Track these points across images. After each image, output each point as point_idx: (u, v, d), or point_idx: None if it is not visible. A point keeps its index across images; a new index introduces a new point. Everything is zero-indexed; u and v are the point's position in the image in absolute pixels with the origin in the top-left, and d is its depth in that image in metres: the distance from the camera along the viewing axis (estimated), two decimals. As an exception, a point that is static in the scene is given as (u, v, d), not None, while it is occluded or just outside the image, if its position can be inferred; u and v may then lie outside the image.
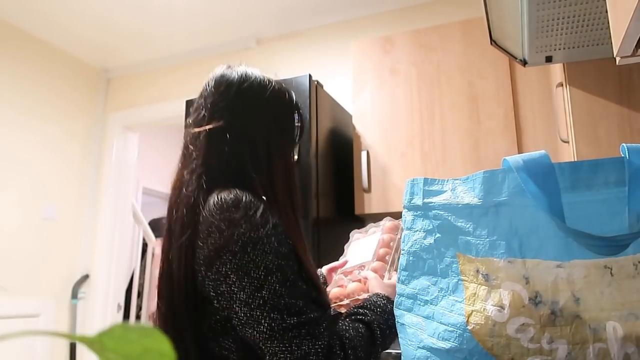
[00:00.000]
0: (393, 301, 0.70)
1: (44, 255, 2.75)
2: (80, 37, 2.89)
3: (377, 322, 0.79)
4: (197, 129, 0.85)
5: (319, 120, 1.96)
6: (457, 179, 0.58)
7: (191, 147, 0.86)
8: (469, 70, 1.98)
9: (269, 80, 0.90)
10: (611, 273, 0.48)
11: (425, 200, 0.60)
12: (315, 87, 1.99)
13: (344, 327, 0.77)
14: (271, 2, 2.56)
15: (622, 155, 0.51)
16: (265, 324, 0.71)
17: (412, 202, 0.62)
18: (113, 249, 2.99)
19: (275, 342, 0.70)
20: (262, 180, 0.83)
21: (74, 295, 2.86)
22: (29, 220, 2.69)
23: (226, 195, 0.76)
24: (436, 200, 0.59)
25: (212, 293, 0.76)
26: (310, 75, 1.95)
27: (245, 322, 0.72)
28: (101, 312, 2.89)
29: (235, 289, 0.72)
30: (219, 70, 0.92)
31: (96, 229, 3.02)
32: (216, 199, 0.77)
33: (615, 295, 0.48)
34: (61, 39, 2.91)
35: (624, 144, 0.50)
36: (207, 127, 0.84)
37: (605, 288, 0.48)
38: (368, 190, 2.02)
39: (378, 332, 0.77)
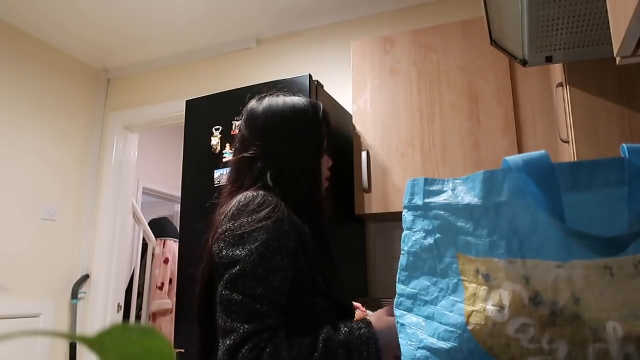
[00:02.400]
0: (372, 327, 0.78)
1: (44, 255, 2.75)
2: (81, 38, 2.89)
3: (335, 340, 0.80)
4: (233, 158, 1.02)
5: (319, 120, 1.96)
6: (458, 179, 0.58)
7: (229, 172, 1.02)
8: (469, 70, 1.98)
9: (293, 105, 1.00)
10: (611, 273, 0.48)
11: (426, 200, 0.60)
12: (315, 87, 1.99)
13: (290, 343, 0.79)
14: (271, 2, 2.56)
15: (622, 155, 0.51)
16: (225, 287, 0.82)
17: (412, 202, 0.62)
18: (113, 249, 2.99)
19: (222, 302, 0.82)
20: (286, 196, 0.93)
21: (74, 295, 2.86)
22: (29, 220, 2.69)
23: (246, 193, 0.90)
24: (436, 200, 0.59)
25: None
26: (310, 75, 1.95)
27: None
28: (101, 312, 2.89)
29: (220, 260, 0.85)
30: (250, 103, 1.04)
31: (96, 229, 3.02)
32: (238, 197, 0.91)
33: (615, 295, 0.48)
34: (61, 40, 2.91)
35: (624, 144, 0.50)
36: (239, 156, 0.99)
37: (605, 288, 0.48)
38: (368, 190, 2.02)
39: (327, 350, 0.78)
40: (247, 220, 0.85)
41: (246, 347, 0.76)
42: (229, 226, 0.86)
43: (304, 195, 0.96)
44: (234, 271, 0.82)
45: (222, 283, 0.82)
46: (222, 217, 0.90)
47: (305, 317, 0.87)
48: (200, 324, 0.94)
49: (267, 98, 1.03)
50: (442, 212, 0.57)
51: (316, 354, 0.78)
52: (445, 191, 0.59)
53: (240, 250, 0.82)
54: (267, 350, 0.76)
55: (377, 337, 0.82)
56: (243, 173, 0.97)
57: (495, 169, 0.56)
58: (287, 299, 0.85)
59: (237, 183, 0.97)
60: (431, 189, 0.60)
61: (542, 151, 0.52)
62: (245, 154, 0.98)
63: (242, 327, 0.78)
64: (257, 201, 0.87)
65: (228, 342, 0.77)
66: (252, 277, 0.80)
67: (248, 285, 0.80)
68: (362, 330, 0.83)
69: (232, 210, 0.88)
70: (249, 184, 0.95)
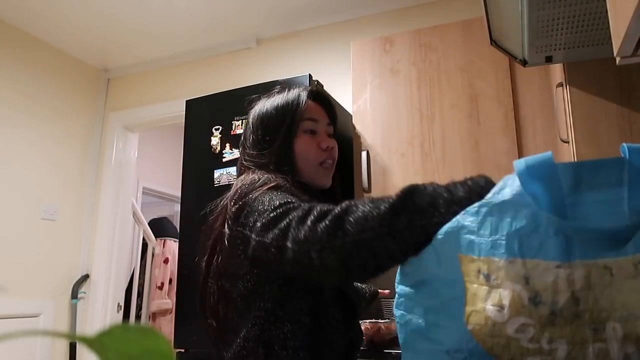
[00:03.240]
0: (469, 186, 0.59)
1: (44, 255, 2.75)
2: (81, 38, 2.89)
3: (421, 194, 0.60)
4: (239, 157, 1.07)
5: (319, 120, 1.96)
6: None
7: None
8: (469, 70, 1.98)
9: (275, 94, 1.04)
10: (611, 273, 0.48)
11: None
12: (315, 87, 1.99)
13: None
14: (271, 2, 2.56)
15: (622, 155, 0.51)
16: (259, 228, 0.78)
17: None
18: (113, 249, 2.99)
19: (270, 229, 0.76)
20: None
21: (74, 295, 2.86)
22: (29, 220, 2.69)
23: (247, 176, 0.93)
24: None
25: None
26: (310, 75, 1.95)
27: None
28: (101, 312, 2.89)
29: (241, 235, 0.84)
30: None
31: (96, 229, 3.02)
32: (239, 180, 0.94)
33: (615, 295, 0.48)
34: (61, 40, 2.91)
35: (624, 144, 0.50)
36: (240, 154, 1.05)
37: (605, 288, 0.48)
38: (368, 190, 2.02)
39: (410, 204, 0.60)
40: (258, 192, 0.85)
41: (313, 215, 0.68)
42: (240, 204, 0.85)
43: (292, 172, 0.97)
44: (255, 216, 0.80)
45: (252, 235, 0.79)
46: (227, 200, 0.91)
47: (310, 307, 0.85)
48: (210, 315, 0.92)
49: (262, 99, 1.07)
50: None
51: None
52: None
53: (260, 205, 0.81)
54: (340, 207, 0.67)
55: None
56: (242, 172, 1.02)
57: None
58: None
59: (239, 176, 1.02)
60: None
61: (548, 152, 0.52)
62: (242, 152, 1.04)
63: (294, 209, 0.74)
64: (262, 179, 0.89)
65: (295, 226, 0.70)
66: (275, 198, 0.80)
67: (274, 203, 0.79)
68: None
69: (238, 192, 0.88)
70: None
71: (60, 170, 2.92)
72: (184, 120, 2.19)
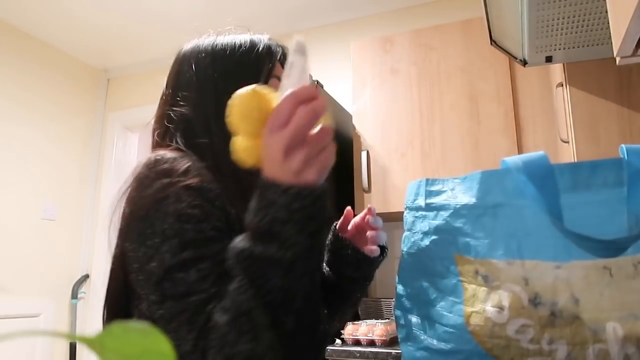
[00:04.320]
0: (303, 194, 0.49)
1: (44, 255, 2.75)
2: (81, 38, 2.89)
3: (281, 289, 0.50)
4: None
5: (319, 120, 1.96)
6: (457, 178, 0.58)
7: None
8: (469, 70, 1.98)
9: (231, 32, 0.80)
10: (610, 274, 0.48)
11: (428, 200, 0.60)
12: (315, 87, 1.99)
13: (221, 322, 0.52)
14: (271, 2, 2.56)
15: (621, 156, 0.51)
16: (151, 300, 0.58)
17: (414, 202, 0.62)
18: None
19: (159, 325, 0.56)
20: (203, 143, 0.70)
21: (74, 295, 2.86)
22: (29, 220, 2.69)
23: (152, 156, 0.66)
24: (437, 200, 0.59)
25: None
26: (310, 75, 1.95)
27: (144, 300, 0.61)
28: (101, 312, 2.88)
29: (132, 261, 0.62)
30: None
31: (96, 229, 3.02)
32: (143, 160, 0.67)
33: (614, 296, 0.48)
34: (61, 40, 2.91)
35: (622, 145, 0.50)
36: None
37: (604, 289, 0.48)
38: (368, 190, 2.02)
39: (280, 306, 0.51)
40: (149, 192, 0.61)
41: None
42: (129, 209, 0.64)
43: (223, 149, 0.65)
44: (150, 271, 0.58)
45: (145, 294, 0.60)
46: (121, 195, 0.68)
47: None
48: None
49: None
50: (442, 213, 0.57)
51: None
52: (445, 191, 0.59)
53: (150, 239, 0.59)
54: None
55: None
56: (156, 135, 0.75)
57: (493, 170, 0.56)
58: None
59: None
60: (432, 189, 0.60)
61: (541, 152, 0.52)
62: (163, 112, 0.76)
63: (187, 336, 0.53)
64: (179, 167, 0.63)
65: None
66: (178, 268, 0.57)
67: (175, 282, 0.56)
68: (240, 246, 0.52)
69: (135, 184, 0.65)
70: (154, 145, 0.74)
71: (60, 170, 2.92)
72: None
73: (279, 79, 0.75)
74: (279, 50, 0.79)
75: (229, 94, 0.68)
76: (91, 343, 0.17)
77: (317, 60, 2.69)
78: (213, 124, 0.70)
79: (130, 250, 0.63)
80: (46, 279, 2.75)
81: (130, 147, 3.24)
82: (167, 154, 0.66)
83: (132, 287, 0.66)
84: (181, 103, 0.74)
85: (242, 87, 0.68)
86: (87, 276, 2.95)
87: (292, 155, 0.49)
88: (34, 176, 2.75)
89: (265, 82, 0.74)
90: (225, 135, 0.66)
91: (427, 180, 0.61)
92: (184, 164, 0.64)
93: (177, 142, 0.71)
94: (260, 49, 0.76)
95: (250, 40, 0.76)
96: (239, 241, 0.52)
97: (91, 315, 2.89)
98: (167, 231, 0.58)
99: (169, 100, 0.76)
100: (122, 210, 0.67)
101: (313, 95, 0.51)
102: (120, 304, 0.70)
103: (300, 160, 0.49)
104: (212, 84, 0.73)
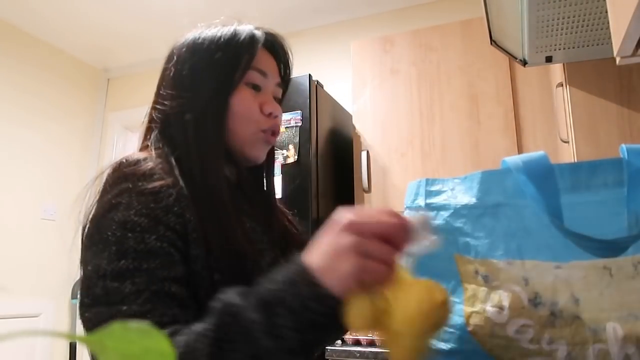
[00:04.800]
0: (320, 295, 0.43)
1: (44, 255, 2.75)
2: (81, 38, 2.89)
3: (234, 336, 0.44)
4: None
5: (319, 120, 1.96)
6: (457, 178, 0.58)
7: None
8: (469, 70, 1.98)
9: (218, 25, 0.79)
10: (610, 274, 0.48)
11: (427, 200, 0.60)
12: (315, 87, 1.99)
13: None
14: (271, 2, 2.57)
15: (622, 156, 0.51)
16: (82, 302, 0.56)
17: (415, 202, 0.62)
18: (113, 249, 2.99)
19: (85, 327, 0.55)
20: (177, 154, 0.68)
21: (74, 295, 2.86)
22: (29, 220, 2.69)
23: (119, 159, 0.65)
24: (437, 200, 0.59)
25: None
26: (310, 75, 1.95)
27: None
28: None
29: (80, 261, 0.62)
30: None
31: (96, 229, 3.02)
32: (111, 162, 0.66)
33: (614, 295, 0.48)
34: (61, 40, 2.91)
35: (623, 145, 0.50)
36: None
37: (604, 289, 0.48)
38: (368, 190, 2.02)
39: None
40: (107, 198, 0.61)
41: None
42: (90, 212, 0.63)
43: (196, 147, 0.66)
44: (86, 275, 0.58)
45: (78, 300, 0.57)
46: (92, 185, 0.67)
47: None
48: None
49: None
50: (442, 213, 0.57)
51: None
52: (445, 191, 0.59)
53: (94, 244, 0.58)
54: None
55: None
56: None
57: (493, 169, 0.56)
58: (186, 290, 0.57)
59: None
60: (432, 189, 0.60)
61: (541, 152, 0.52)
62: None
63: None
64: (120, 172, 0.62)
65: None
66: (112, 277, 0.54)
67: (108, 289, 0.54)
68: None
69: (103, 184, 0.64)
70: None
71: (60, 170, 2.92)
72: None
73: (259, 71, 0.73)
74: (263, 38, 0.75)
75: (205, 88, 0.69)
76: (91, 343, 0.17)
77: (317, 60, 2.69)
78: (189, 119, 0.68)
79: (80, 250, 0.63)
80: (46, 279, 2.75)
81: (130, 147, 3.24)
82: (134, 155, 0.64)
83: None
84: (161, 100, 0.73)
85: (218, 80, 0.69)
86: (87, 276, 2.95)
87: (347, 258, 0.43)
88: (34, 176, 2.75)
89: (242, 75, 0.71)
90: (200, 131, 0.67)
91: (427, 180, 0.61)
92: (147, 167, 0.62)
93: (155, 140, 0.70)
94: (241, 39, 0.73)
95: (232, 31, 0.74)
96: (239, 294, 0.47)
97: (91, 315, 2.88)
98: (109, 238, 0.57)
99: (154, 97, 0.76)
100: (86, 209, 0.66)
101: (405, 229, 0.45)
102: None
103: (353, 267, 0.43)
104: (188, 78, 0.71)
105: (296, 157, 1.85)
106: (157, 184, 0.60)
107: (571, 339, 0.48)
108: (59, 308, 2.80)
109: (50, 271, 2.78)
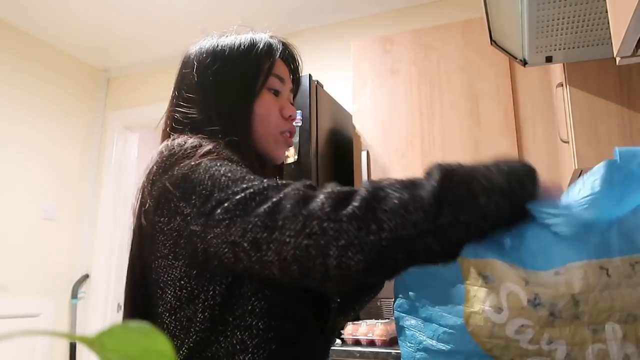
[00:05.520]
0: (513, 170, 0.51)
1: (44, 255, 2.75)
2: (81, 38, 2.89)
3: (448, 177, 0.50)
4: None
5: (319, 120, 1.96)
6: None
7: None
8: (469, 70, 1.98)
9: (233, 33, 0.82)
10: (607, 274, 0.48)
11: None
12: (315, 87, 1.99)
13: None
14: (271, 3, 2.56)
15: (615, 158, 0.51)
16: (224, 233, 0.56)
17: None
18: (113, 249, 2.99)
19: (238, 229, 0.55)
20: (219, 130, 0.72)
21: (74, 295, 2.86)
22: (29, 220, 2.69)
23: (166, 143, 0.69)
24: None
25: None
26: (310, 75, 1.95)
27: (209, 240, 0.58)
28: (101, 312, 2.89)
29: (168, 233, 0.62)
30: None
31: (96, 229, 3.02)
32: (160, 147, 0.70)
33: (613, 296, 0.48)
34: (61, 40, 2.91)
35: (616, 148, 0.50)
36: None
37: (603, 289, 0.48)
38: (368, 190, 2.02)
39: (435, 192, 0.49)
40: (193, 161, 0.63)
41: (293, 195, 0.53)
42: (164, 182, 0.63)
43: (229, 150, 0.70)
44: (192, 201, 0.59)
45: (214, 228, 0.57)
46: (144, 179, 0.68)
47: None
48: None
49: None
50: None
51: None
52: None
53: (201, 186, 0.59)
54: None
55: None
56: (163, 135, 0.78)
57: None
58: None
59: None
60: None
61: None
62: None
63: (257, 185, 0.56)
64: (192, 142, 0.66)
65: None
66: (226, 181, 0.58)
67: (225, 187, 0.57)
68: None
69: (157, 165, 0.66)
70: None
71: (60, 170, 2.92)
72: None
73: (278, 77, 0.78)
74: (279, 47, 0.80)
75: (229, 94, 0.73)
76: (91, 343, 0.17)
77: (317, 60, 2.69)
78: (216, 124, 0.72)
79: (166, 223, 0.62)
80: (46, 279, 2.75)
81: (130, 147, 3.24)
82: (189, 139, 0.68)
83: (154, 276, 0.65)
84: (185, 104, 0.76)
85: (242, 87, 0.73)
86: (87, 276, 2.95)
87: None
88: (34, 176, 2.75)
89: (265, 82, 0.76)
90: (230, 135, 0.71)
91: None
92: (207, 145, 0.66)
93: (209, 131, 0.72)
94: (260, 47, 0.76)
95: (250, 40, 0.77)
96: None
97: (91, 315, 2.89)
98: (214, 174, 0.59)
99: (174, 102, 0.78)
100: (142, 198, 0.67)
101: None
102: (140, 295, 0.68)
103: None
104: (212, 84, 0.75)
105: (296, 157, 1.85)
106: (221, 155, 0.65)
107: (570, 339, 0.48)
108: (59, 308, 2.80)
109: (50, 271, 2.78)
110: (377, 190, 0.51)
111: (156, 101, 3.08)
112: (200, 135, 0.70)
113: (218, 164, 0.61)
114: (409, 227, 0.48)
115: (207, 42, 0.79)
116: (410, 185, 0.51)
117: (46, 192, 2.81)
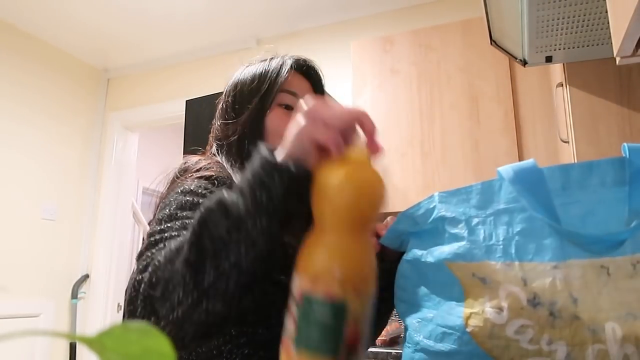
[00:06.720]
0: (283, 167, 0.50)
1: (44, 255, 2.75)
2: (81, 38, 2.89)
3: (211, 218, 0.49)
4: None
5: (319, 120, 1.96)
6: (462, 192, 0.58)
7: None
8: (469, 70, 1.98)
9: (259, 61, 0.89)
10: (608, 273, 0.48)
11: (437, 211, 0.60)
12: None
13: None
14: (271, 2, 2.56)
15: (623, 155, 0.51)
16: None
17: (418, 211, 0.62)
18: (113, 249, 2.99)
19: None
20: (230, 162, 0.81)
21: (74, 295, 2.86)
22: (29, 220, 2.69)
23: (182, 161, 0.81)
24: (434, 211, 0.59)
25: None
26: (310, 75, 1.95)
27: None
28: (101, 312, 2.89)
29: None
30: None
31: (96, 229, 3.02)
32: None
33: (613, 295, 0.48)
34: (61, 40, 2.91)
35: (625, 144, 0.51)
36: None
37: (602, 288, 0.48)
38: (368, 190, 2.02)
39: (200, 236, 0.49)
40: (171, 187, 0.73)
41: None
42: (161, 196, 0.74)
43: (245, 157, 0.78)
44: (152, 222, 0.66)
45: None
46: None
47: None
48: None
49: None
50: (438, 223, 0.58)
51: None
52: (442, 203, 0.59)
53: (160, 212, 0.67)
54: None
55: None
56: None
57: (491, 180, 0.57)
58: None
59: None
60: (431, 205, 0.61)
61: (531, 160, 0.53)
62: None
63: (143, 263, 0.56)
64: (197, 162, 0.77)
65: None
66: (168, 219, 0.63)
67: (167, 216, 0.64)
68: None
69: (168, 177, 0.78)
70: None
71: (60, 170, 2.92)
72: (184, 120, 2.19)
73: (290, 92, 0.84)
74: (288, 64, 0.86)
75: (245, 113, 0.82)
76: (91, 343, 0.17)
77: (317, 60, 2.69)
78: (240, 148, 0.80)
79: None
80: (46, 279, 2.75)
81: (130, 147, 3.24)
82: (193, 157, 0.79)
83: None
84: (215, 130, 0.88)
85: (254, 105, 0.83)
86: (87, 276, 2.95)
87: (299, 132, 0.52)
88: (34, 176, 2.75)
89: (273, 98, 0.83)
90: (245, 151, 0.79)
91: (440, 195, 0.60)
92: (202, 163, 0.76)
93: (230, 145, 0.83)
94: (271, 68, 0.85)
95: (264, 63, 0.86)
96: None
97: (91, 315, 2.89)
98: (171, 201, 0.67)
99: (213, 123, 0.90)
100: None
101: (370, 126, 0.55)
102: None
103: (296, 134, 0.52)
104: (232, 107, 0.85)
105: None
106: (210, 172, 0.73)
107: (571, 340, 0.48)
108: (59, 308, 2.80)
109: (50, 271, 2.78)
110: (155, 272, 0.51)
111: (156, 101, 3.08)
112: (225, 150, 0.81)
113: (182, 194, 0.67)
114: (177, 309, 0.47)
115: (237, 72, 0.89)
116: (174, 254, 0.50)
117: (46, 192, 2.81)
